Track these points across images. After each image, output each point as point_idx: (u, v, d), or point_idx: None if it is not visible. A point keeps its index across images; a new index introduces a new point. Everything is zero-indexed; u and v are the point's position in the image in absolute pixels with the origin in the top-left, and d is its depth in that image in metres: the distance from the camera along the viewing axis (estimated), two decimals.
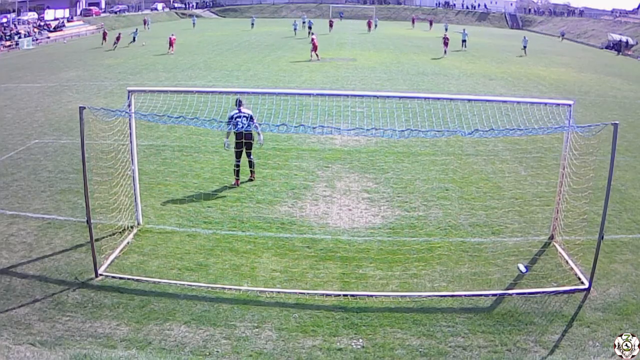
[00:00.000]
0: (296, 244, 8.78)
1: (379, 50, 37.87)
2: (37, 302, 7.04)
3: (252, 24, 56.83)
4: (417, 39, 47.85)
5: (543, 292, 7.44)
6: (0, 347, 6.02)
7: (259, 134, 10.77)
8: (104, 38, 39.66)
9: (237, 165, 10.94)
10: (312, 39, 31.92)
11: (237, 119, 10.46)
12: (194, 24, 58.19)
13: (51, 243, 8.68)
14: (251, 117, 10.61)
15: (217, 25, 62.17)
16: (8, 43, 39.97)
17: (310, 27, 45.80)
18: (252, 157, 11.14)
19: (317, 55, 31.05)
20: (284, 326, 6.68)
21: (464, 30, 41.05)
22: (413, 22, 66.70)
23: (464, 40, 38.58)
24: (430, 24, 61.65)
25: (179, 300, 7.16)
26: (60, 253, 8.37)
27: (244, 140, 10.54)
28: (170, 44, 34.57)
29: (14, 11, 49.96)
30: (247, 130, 10.46)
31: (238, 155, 10.89)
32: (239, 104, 10.65)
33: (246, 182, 11.22)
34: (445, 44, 34.79)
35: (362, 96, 10.70)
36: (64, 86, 22.67)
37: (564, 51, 43.37)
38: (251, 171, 11.27)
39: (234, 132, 10.57)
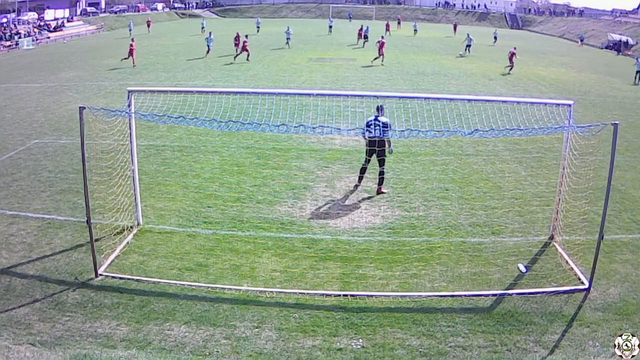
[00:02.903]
0: (296, 244, 8.78)
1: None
2: (37, 302, 7.05)
3: (258, 26, 50.42)
4: (418, 39, 47.83)
5: (543, 292, 7.44)
6: (0, 347, 6.01)
7: (389, 145, 10.51)
8: (131, 54, 27.98)
9: (364, 170, 10.83)
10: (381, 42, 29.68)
11: (372, 125, 10.20)
12: (203, 27, 49.41)
13: (51, 243, 8.68)
14: (386, 125, 10.24)
15: (217, 25, 62.03)
16: (8, 43, 39.99)
17: (366, 37, 39.93)
18: (383, 167, 10.59)
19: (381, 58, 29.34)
20: (284, 326, 6.68)
21: (468, 34, 37.62)
22: (399, 22, 60.94)
23: (468, 46, 36.14)
24: (455, 28, 54.29)
25: (179, 300, 7.16)
26: (60, 253, 8.37)
27: (376, 148, 10.24)
28: (237, 44, 31.93)
29: (14, 11, 49.97)
30: (379, 137, 10.15)
31: (366, 161, 10.72)
32: (379, 110, 10.37)
33: (373, 197, 10.61)
34: (510, 58, 28.28)
35: (362, 96, 10.68)
36: (64, 86, 22.67)
37: (563, 51, 43.38)
38: (380, 180, 10.67)
39: (367, 139, 10.32)
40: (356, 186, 11.00)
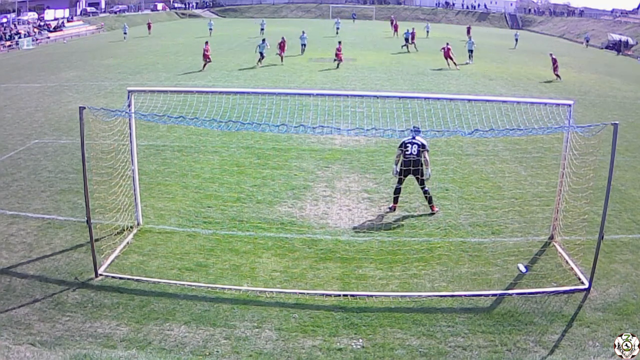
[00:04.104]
0: (296, 244, 8.78)
1: (379, 50, 37.85)
2: (37, 302, 7.05)
3: (262, 28, 47.41)
4: (420, 39, 47.76)
5: (543, 292, 7.44)
6: (0, 347, 6.02)
7: (427, 167, 9.91)
8: (206, 57, 26.89)
9: (398, 190, 10.10)
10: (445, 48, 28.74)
11: (408, 145, 9.80)
12: (210, 30, 47.33)
13: (51, 243, 8.68)
14: (423, 146, 9.84)
15: (218, 25, 62.04)
16: (8, 43, 40.02)
17: (407, 40, 37.18)
18: (426, 188, 10.01)
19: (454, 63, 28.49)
20: (284, 326, 6.68)
21: (470, 38, 33.29)
22: (391, 23, 53.86)
23: (470, 51, 31.43)
24: (468, 32, 47.54)
25: (179, 300, 7.16)
26: (60, 253, 8.37)
27: (411, 168, 9.75)
28: (282, 49, 29.55)
29: (14, 11, 50.01)
30: (415, 158, 9.73)
31: (400, 181, 10.03)
32: (415, 131, 9.94)
33: (427, 215, 10.05)
34: (555, 66, 25.97)
35: (362, 96, 10.68)
36: (64, 86, 22.67)
37: (563, 51, 43.37)
38: (430, 206, 10.09)
39: (403, 158, 9.85)
40: (392, 208, 10.17)
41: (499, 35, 57.66)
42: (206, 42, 27.87)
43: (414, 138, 9.87)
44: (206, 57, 26.79)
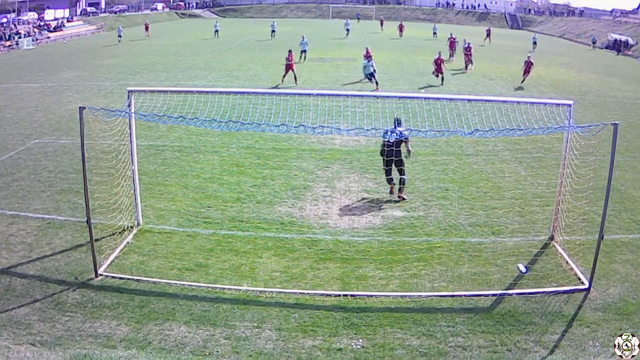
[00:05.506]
0: (296, 244, 8.78)
1: (379, 50, 37.79)
2: (37, 302, 7.05)
3: (273, 30, 44.64)
4: (418, 39, 47.80)
5: (543, 292, 7.45)
6: (0, 347, 6.02)
7: (407, 144, 10.30)
8: (291, 68, 22.67)
9: (390, 180, 10.57)
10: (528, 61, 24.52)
11: (386, 133, 10.15)
12: (217, 31, 44.74)
13: (51, 243, 8.68)
14: (401, 134, 10.17)
15: (220, 25, 62.00)
16: (8, 43, 40.00)
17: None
18: (404, 174, 10.52)
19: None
20: (284, 326, 6.69)
21: (464, 40, 30.65)
22: (381, 24, 55.59)
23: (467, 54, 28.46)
24: (488, 34, 44.80)
25: (179, 300, 7.17)
26: (60, 253, 8.37)
27: (387, 158, 10.13)
28: (368, 54, 25.05)
29: (14, 11, 50.01)
30: (392, 147, 10.06)
31: (388, 172, 10.50)
32: (397, 122, 10.35)
33: (394, 202, 10.48)
34: (527, 70, 24.51)
35: (362, 96, 10.68)
36: (64, 86, 22.67)
37: (563, 51, 43.37)
38: (400, 188, 10.51)
39: (382, 148, 10.23)
40: (391, 191, 10.71)
41: (499, 35, 57.61)
42: (290, 51, 23.15)
43: (395, 128, 10.28)
44: (290, 67, 22.66)
